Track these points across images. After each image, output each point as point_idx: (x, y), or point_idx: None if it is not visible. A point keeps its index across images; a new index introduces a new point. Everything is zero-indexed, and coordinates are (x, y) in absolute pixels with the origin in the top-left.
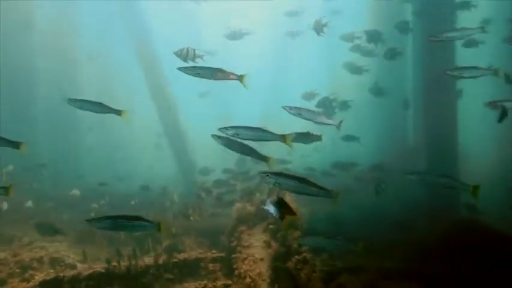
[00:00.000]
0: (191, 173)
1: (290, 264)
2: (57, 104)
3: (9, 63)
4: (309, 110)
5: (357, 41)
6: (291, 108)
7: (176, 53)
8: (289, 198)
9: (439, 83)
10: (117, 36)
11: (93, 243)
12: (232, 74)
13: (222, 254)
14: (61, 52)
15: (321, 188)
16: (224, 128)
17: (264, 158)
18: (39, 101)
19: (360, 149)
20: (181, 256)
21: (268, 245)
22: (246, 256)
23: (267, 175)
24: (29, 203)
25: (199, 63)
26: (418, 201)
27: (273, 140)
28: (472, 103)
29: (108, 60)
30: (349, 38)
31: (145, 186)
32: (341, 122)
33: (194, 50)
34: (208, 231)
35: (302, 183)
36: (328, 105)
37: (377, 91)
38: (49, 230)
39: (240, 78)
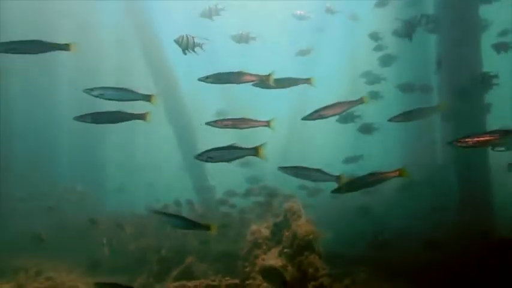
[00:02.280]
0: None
1: None
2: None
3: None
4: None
5: (380, 42)
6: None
7: (177, 41)
8: (306, 220)
9: (466, 93)
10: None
11: (105, 272)
12: (55, 44)
13: (236, 281)
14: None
15: None
16: (89, 89)
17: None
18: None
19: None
20: (192, 284)
21: (284, 269)
22: (259, 283)
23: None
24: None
25: (198, 52)
26: (447, 216)
27: (139, 99)
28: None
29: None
30: (375, 36)
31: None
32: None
33: (193, 37)
34: (227, 255)
35: None
36: (350, 121)
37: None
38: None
39: None
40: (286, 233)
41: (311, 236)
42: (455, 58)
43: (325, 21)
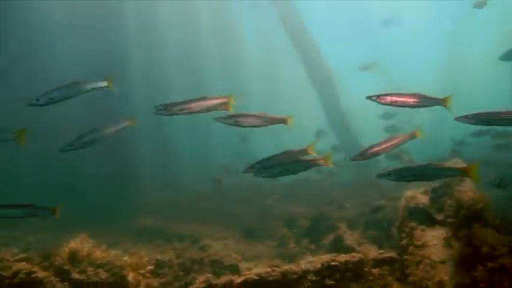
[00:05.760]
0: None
1: (480, 273)
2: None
3: None
4: None
5: None
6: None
7: None
8: (469, 186)
9: None
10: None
11: (258, 239)
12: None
13: (392, 254)
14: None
15: None
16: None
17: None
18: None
19: None
20: (342, 258)
21: (448, 243)
22: (420, 259)
23: None
24: None
25: None
26: None
27: None
28: None
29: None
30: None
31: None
32: None
33: None
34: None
35: None
36: None
37: None
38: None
39: None
40: (448, 201)
41: (481, 205)
42: None
43: None
